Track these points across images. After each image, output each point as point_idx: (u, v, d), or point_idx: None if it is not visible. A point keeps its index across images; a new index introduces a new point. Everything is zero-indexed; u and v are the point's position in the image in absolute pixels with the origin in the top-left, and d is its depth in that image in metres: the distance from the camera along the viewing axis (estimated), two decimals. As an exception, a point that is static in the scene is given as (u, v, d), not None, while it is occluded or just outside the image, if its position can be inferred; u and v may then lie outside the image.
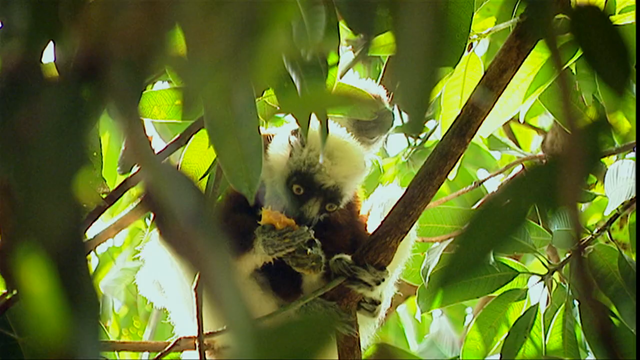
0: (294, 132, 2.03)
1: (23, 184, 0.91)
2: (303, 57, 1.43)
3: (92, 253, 3.35)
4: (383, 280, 2.00)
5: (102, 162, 1.77)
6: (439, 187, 1.97)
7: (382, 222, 2.00)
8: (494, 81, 1.89)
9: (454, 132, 1.93)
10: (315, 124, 1.73)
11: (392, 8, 0.87)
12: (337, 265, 2.00)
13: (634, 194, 2.19)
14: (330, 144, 2.00)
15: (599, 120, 0.99)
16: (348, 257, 2.00)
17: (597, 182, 2.66)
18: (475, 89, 1.93)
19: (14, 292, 1.59)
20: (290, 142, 2.03)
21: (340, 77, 2.91)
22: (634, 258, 2.23)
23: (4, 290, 1.70)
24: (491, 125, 2.17)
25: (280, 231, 1.95)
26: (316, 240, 1.97)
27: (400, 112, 3.07)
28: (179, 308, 2.06)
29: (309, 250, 1.95)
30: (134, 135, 0.96)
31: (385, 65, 2.72)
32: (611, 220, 2.27)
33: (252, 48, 0.91)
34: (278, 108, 1.80)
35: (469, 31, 1.82)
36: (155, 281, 2.13)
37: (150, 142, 0.99)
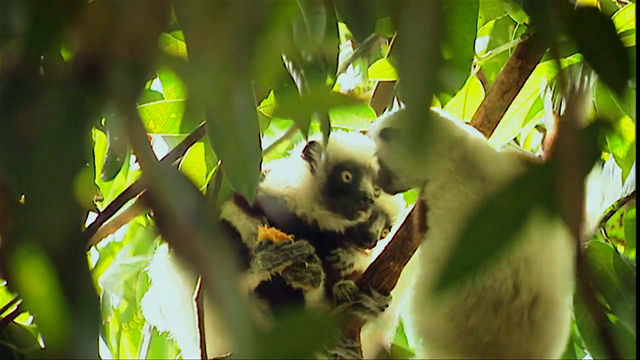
0: (309, 146, 2.03)
1: (23, 184, 0.91)
2: (304, 57, 1.43)
3: (93, 248, 3.35)
4: (387, 306, 1.98)
5: (94, 170, 1.78)
6: None
7: (385, 246, 2.00)
8: (496, 102, 1.89)
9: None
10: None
11: (394, 14, 0.87)
12: (341, 290, 1.99)
13: (629, 191, 2.19)
14: (347, 136, 2.03)
15: (598, 120, 0.99)
16: (352, 283, 1.99)
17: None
18: (477, 110, 1.93)
19: (15, 305, 1.60)
20: (306, 158, 2.03)
21: (340, 74, 2.89)
22: (631, 255, 2.23)
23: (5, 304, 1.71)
24: None
25: (277, 245, 1.94)
26: (315, 256, 1.96)
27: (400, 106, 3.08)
28: (181, 329, 2.06)
29: (307, 264, 1.94)
30: (134, 136, 0.96)
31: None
32: (606, 217, 2.27)
33: (252, 50, 0.91)
34: (276, 113, 1.80)
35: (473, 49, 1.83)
36: (159, 304, 2.13)
37: (150, 142, 0.99)
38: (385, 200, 2.11)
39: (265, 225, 1.99)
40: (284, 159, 2.14)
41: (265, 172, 2.08)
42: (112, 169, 1.87)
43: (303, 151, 2.04)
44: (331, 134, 2.00)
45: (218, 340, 1.94)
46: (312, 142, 2.03)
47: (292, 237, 1.96)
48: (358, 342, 2.02)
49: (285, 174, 2.06)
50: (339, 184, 2.01)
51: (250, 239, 2.01)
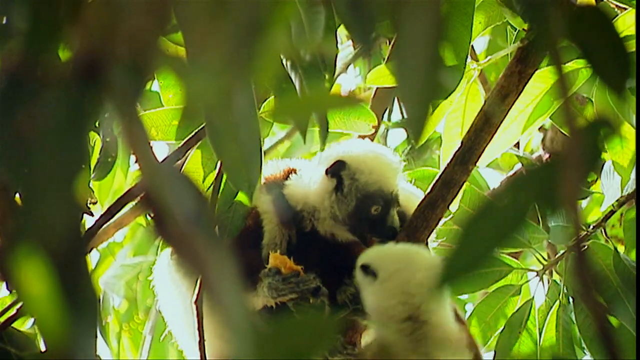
0: (338, 166, 1.99)
1: (23, 185, 0.91)
2: (302, 57, 1.43)
3: (93, 249, 3.35)
4: None
5: (90, 172, 1.79)
6: (442, 216, 1.96)
7: None
8: (496, 106, 1.89)
9: (456, 160, 1.93)
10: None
11: (394, 16, 0.87)
12: (341, 296, 1.99)
13: (630, 190, 2.19)
14: (375, 155, 1.99)
15: (598, 120, 1.00)
16: (352, 288, 1.98)
17: (597, 179, 2.66)
18: (477, 115, 1.93)
19: (14, 308, 1.60)
20: (333, 176, 1.98)
21: (340, 74, 2.88)
22: (630, 255, 2.23)
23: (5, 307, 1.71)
24: (490, 155, 2.15)
25: (285, 276, 1.92)
26: (323, 288, 1.94)
27: (400, 107, 3.08)
28: (184, 332, 2.06)
29: (312, 298, 1.93)
30: (133, 136, 0.96)
31: (387, 61, 2.72)
32: (606, 217, 2.27)
33: (252, 50, 0.91)
34: (275, 114, 1.80)
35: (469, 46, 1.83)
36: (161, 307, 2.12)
37: (150, 143, 0.99)
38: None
39: (279, 251, 1.98)
40: (306, 164, 2.10)
41: (292, 172, 2.06)
42: (104, 169, 1.88)
43: (330, 169, 1.99)
44: (359, 147, 1.99)
45: (218, 343, 1.93)
46: (341, 162, 1.98)
47: (302, 268, 1.94)
48: (359, 349, 2.02)
49: (305, 186, 2.02)
50: (368, 215, 1.98)
51: (269, 246, 2.01)
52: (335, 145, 2.05)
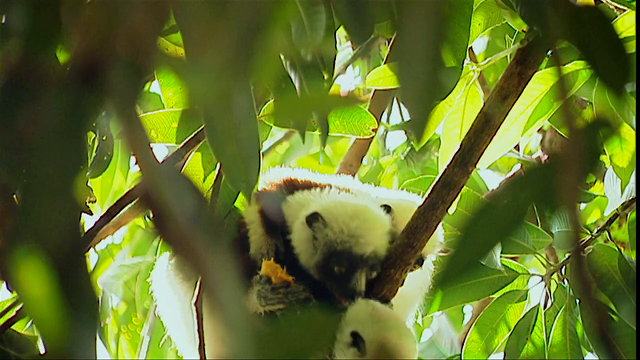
0: (312, 217, 1.97)
1: (22, 185, 0.91)
2: (303, 57, 1.43)
3: (92, 249, 3.35)
4: None
5: (87, 172, 1.79)
6: (442, 218, 1.95)
7: (386, 254, 1.98)
8: (496, 108, 1.89)
9: (456, 162, 1.92)
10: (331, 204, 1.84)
11: (394, 16, 0.87)
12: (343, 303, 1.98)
13: (633, 194, 2.19)
14: (354, 212, 1.97)
15: (597, 121, 1.00)
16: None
17: (595, 180, 2.67)
18: (477, 116, 1.93)
19: (14, 310, 1.60)
20: (310, 226, 1.97)
21: (338, 75, 2.88)
22: (632, 257, 2.24)
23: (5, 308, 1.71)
24: (489, 157, 2.15)
25: (274, 285, 1.92)
26: (313, 300, 1.94)
27: (400, 109, 3.08)
28: (182, 336, 2.06)
29: (298, 312, 1.91)
30: (133, 136, 0.95)
31: (385, 61, 2.72)
32: (610, 221, 2.27)
33: (252, 50, 0.91)
34: (275, 115, 1.80)
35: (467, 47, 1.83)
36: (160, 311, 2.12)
37: (149, 143, 0.99)
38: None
39: (272, 259, 1.97)
40: (308, 174, 2.10)
41: (291, 182, 2.06)
42: (100, 167, 1.88)
43: (307, 218, 1.98)
44: (339, 203, 1.98)
45: (217, 346, 1.93)
46: (316, 215, 1.97)
47: (292, 280, 1.94)
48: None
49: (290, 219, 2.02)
50: (331, 273, 1.96)
51: (257, 255, 2.00)
52: (332, 192, 2.04)
